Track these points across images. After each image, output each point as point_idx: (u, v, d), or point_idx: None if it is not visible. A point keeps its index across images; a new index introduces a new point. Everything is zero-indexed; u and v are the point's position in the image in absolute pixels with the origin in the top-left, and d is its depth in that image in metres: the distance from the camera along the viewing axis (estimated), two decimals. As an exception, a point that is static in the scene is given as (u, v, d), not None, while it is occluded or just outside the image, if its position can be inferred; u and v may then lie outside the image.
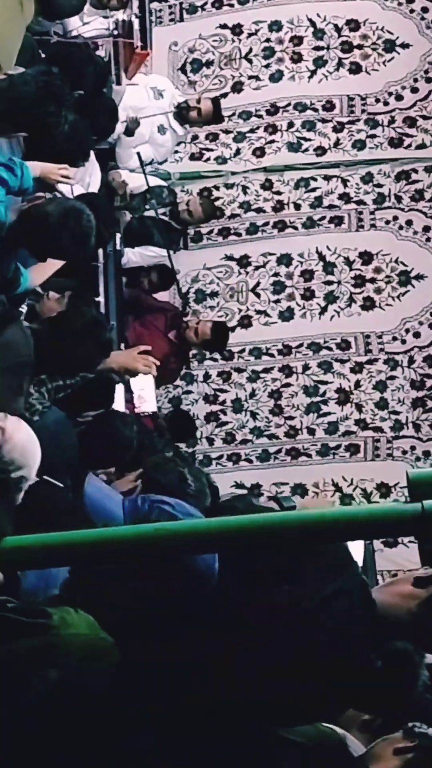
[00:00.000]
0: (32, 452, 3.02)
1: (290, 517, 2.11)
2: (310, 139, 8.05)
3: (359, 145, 8.02)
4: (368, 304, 7.94)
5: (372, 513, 2.00)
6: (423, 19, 8.00)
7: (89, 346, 4.12)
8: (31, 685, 2.03)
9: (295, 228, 8.05)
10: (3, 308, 3.85)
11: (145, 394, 5.96)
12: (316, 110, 8.06)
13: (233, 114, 8.06)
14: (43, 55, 5.15)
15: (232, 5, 8.18)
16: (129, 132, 7.11)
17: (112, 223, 5.91)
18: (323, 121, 8.04)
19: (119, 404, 5.31)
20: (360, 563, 5.69)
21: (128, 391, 5.81)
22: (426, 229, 7.91)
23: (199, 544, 1.98)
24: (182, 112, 7.54)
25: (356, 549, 5.76)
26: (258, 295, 8.03)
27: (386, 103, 8.02)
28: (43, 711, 2.03)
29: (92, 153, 5.57)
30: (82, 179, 6.00)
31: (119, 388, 5.31)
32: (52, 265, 4.19)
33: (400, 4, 8.02)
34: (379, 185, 7.98)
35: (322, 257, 7.99)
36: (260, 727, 2.47)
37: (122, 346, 6.45)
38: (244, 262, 8.05)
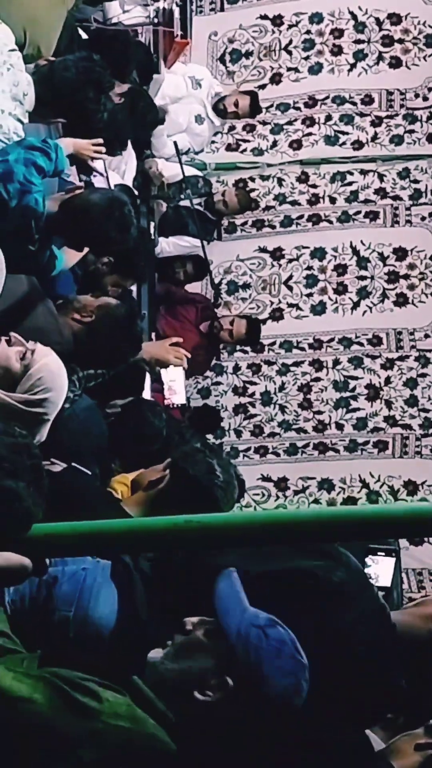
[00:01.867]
0: (59, 378, 3.03)
1: (323, 513, 2.09)
2: (347, 133, 8.01)
3: (397, 140, 7.98)
4: (401, 301, 7.90)
5: (405, 512, 1.98)
6: (465, 13, 7.95)
7: (121, 341, 4.12)
8: (60, 763, 2.01)
9: (330, 222, 8.01)
10: (32, 288, 3.84)
11: (175, 386, 5.96)
12: (354, 104, 8.02)
13: (271, 105, 8.04)
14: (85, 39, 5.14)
15: (273, -4, 8.15)
16: (160, 121, 7.10)
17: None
18: (361, 115, 8.00)
19: (147, 395, 5.31)
20: (388, 583, 5.68)
21: (158, 382, 5.80)
22: (461, 226, 7.87)
23: (229, 536, 1.97)
24: (219, 107, 7.53)
25: (386, 570, 5.74)
26: (290, 288, 8.01)
27: (425, 99, 7.96)
28: None
29: (129, 141, 5.56)
30: (118, 167, 6.00)
31: (147, 379, 5.31)
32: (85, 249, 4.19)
33: (442, -2, 7.97)
34: (416, 181, 7.93)
35: (356, 252, 7.96)
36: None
37: (153, 336, 6.45)
38: (277, 254, 8.03)
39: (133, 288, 6.18)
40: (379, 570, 5.68)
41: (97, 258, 4.60)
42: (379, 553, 5.70)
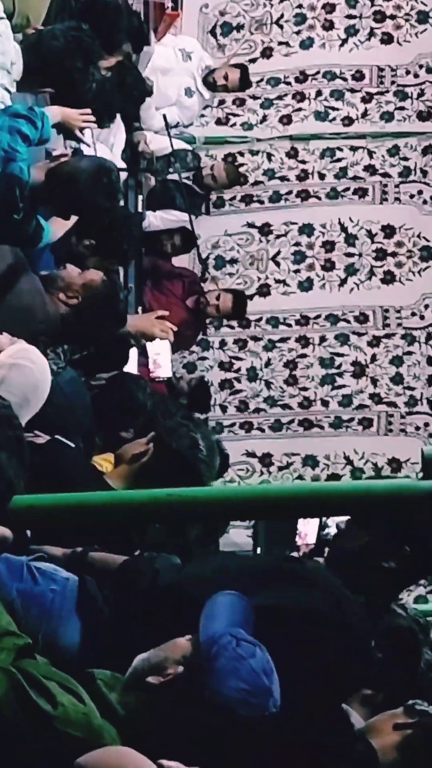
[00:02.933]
0: (30, 388, 2.95)
1: (303, 489, 2.09)
2: (337, 109, 7.98)
3: (387, 116, 7.96)
4: (388, 278, 7.90)
5: (386, 488, 1.99)
6: (458, -9, 7.91)
7: (107, 320, 4.12)
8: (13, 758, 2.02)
9: (319, 198, 8.00)
10: (17, 261, 3.82)
11: (161, 360, 5.94)
12: (345, 80, 7.99)
13: (261, 80, 8.00)
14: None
15: (265, -31, 8.09)
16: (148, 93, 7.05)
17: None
18: (352, 91, 7.97)
19: (133, 368, 5.30)
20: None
21: (144, 356, 5.79)
22: (450, 204, 7.86)
23: (209, 511, 1.97)
24: (209, 80, 7.49)
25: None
26: (278, 264, 7.99)
27: (416, 76, 7.94)
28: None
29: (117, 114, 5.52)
30: (106, 140, 5.96)
31: (133, 352, 5.30)
32: (73, 218, 4.16)
33: (434, -26, 7.93)
34: (405, 158, 7.92)
35: (344, 229, 7.94)
36: None
37: (140, 310, 6.44)
38: (265, 230, 8.01)
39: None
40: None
41: (79, 240, 4.57)
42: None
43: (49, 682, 2.07)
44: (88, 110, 4.11)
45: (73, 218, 4.07)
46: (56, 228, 4.04)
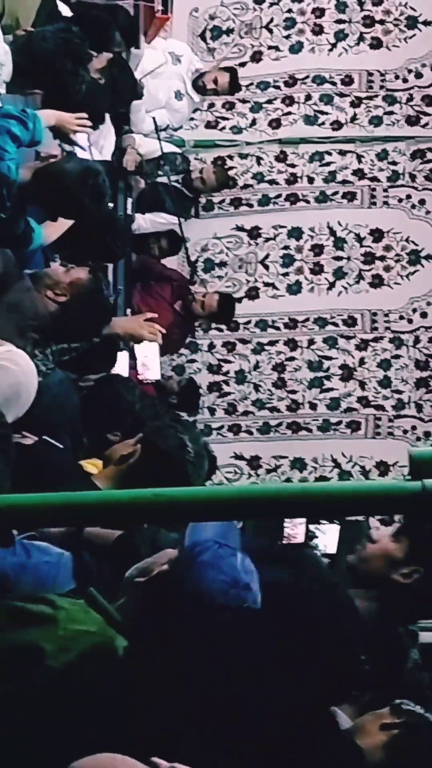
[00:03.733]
0: (12, 397, 2.95)
1: (290, 489, 2.09)
2: (327, 113, 8.00)
3: (376, 121, 7.98)
4: (377, 282, 7.92)
5: (372, 489, 1.99)
6: (447, -4, 7.94)
7: (94, 317, 4.13)
8: (30, 676, 2.01)
9: (308, 202, 8.01)
10: (7, 262, 3.82)
11: (149, 362, 5.95)
12: (334, 84, 8.01)
13: (251, 84, 8.01)
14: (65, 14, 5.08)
15: (255, -27, 8.11)
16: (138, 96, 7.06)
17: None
18: (341, 95, 7.99)
19: (123, 370, 5.30)
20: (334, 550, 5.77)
21: (132, 358, 5.80)
22: (438, 209, 7.88)
23: (197, 511, 1.97)
24: (198, 83, 7.50)
25: (332, 538, 5.83)
26: (267, 267, 8.01)
27: (405, 80, 7.97)
28: (42, 702, 2.01)
29: (107, 116, 5.52)
30: (96, 142, 5.96)
31: (123, 355, 5.30)
32: (65, 222, 4.17)
33: (424, -20, 7.96)
34: (394, 163, 7.94)
35: (332, 232, 7.96)
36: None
37: (128, 312, 6.44)
38: (254, 233, 8.02)
39: (109, 264, 6.17)
40: (326, 539, 5.78)
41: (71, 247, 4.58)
42: (323, 522, 5.80)
43: (40, 594, 2.08)
44: (84, 114, 4.11)
45: (65, 222, 4.08)
46: (49, 232, 4.06)
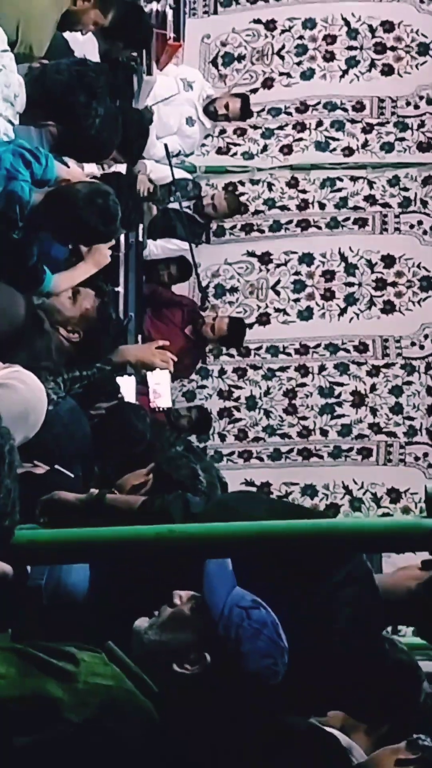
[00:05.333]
0: (16, 418, 2.93)
1: (306, 526, 2.09)
2: (338, 139, 8.02)
3: (387, 147, 7.99)
4: (388, 308, 7.91)
5: (389, 526, 1.98)
6: (458, 24, 7.97)
7: (107, 346, 4.15)
8: (49, 728, 2.02)
9: (319, 227, 8.02)
10: (27, 310, 3.83)
11: (161, 389, 5.94)
12: (345, 110, 8.03)
13: (262, 110, 8.04)
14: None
15: (266, 0, 8.15)
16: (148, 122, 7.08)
17: (137, 206, 5.91)
18: (352, 121, 8.01)
19: (129, 395, 5.30)
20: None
21: (144, 385, 5.79)
22: (450, 235, 7.88)
23: (212, 547, 1.97)
24: (210, 109, 7.53)
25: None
26: (278, 293, 8.01)
27: (417, 107, 7.98)
28: (62, 756, 2.03)
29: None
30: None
31: (129, 380, 5.30)
32: (80, 273, 4.18)
33: (436, 7, 7.99)
34: (405, 189, 7.95)
35: (344, 258, 7.96)
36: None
37: (139, 338, 6.44)
38: (265, 259, 8.03)
39: (121, 289, 6.18)
40: None
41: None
42: None
43: (60, 646, 2.09)
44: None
45: (80, 272, 4.11)
46: (61, 281, 4.07)
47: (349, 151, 8.00)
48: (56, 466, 3.62)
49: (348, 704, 2.87)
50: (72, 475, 3.76)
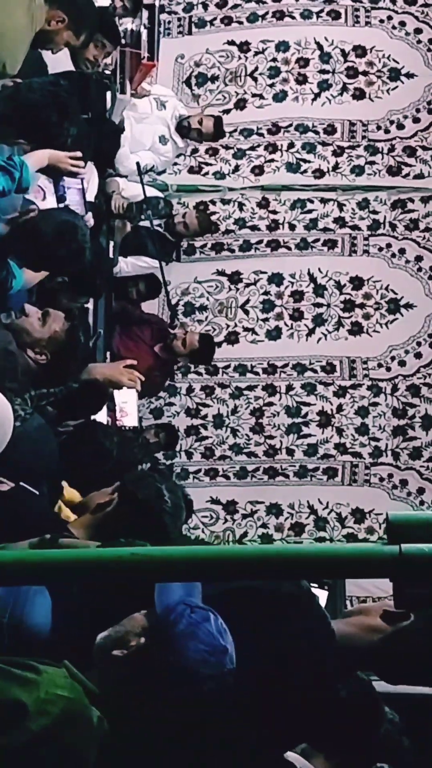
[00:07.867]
0: None
1: (268, 551, 2.10)
2: (309, 161, 8.07)
3: (358, 170, 8.05)
4: (356, 329, 7.96)
5: (350, 552, 1.99)
6: (429, 50, 8.07)
7: (75, 367, 4.16)
8: (12, 734, 2.06)
9: (289, 248, 8.06)
10: None
11: (128, 408, 5.95)
12: (317, 133, 8.09)
13: (234, 130, 8.08)
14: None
15: (241, 22, 8.21)
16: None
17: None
18: (323, 144, 8.07)
19: (101, 416, 5.30)
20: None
21: (111, 402, 5.79)
22: (418, 258, 7.94)
23: (173, 571, 1.97)
24: (183, 129, 7.56)
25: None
26: (247, 312, 8.04)
27: (387, 131, 8.05)
28: (22, 762, 2.07)
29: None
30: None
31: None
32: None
33: (407, 33, 8.08)
34: (375, 212, 8.01)
35: (313, 279, 8.01)
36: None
37: (108, 355, 6.44)
38: (235, 278, 8.06)
39: (90, 306, 6.18)
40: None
41: (51, 278, 4.60)
42: (312, 584, 5.75)
43: (23, 660, 2.13)
44: (78, 153, 4.12)
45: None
46: (30, 276, 4.06)
47: (319, 173, 8.06)
48: (21, 483, 3.61)
49: (305, 735, 2.85)
50: (37, 492, 3.75)
